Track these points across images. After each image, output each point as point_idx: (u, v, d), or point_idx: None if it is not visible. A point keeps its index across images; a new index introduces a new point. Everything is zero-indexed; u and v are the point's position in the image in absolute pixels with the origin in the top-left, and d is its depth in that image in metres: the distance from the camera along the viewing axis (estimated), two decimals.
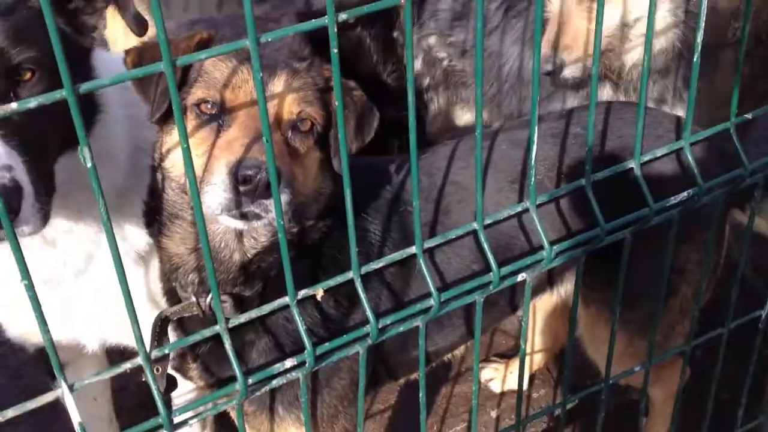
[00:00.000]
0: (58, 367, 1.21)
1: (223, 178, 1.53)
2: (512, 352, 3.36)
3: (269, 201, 1.52)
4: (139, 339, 1.26)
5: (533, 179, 1.55)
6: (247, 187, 1.50)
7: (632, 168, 1.73)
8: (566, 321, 2.68)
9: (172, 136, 1.72)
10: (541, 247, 1.63)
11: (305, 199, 1.76)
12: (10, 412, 1.24)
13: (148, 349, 1.27)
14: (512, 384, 3.21)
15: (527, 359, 3.20)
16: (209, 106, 1.66)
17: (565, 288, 2.38)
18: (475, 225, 1.56)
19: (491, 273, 1.58)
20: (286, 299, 1.43)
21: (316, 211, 1.82)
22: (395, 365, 2.20)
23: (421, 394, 1.74)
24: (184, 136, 1.18)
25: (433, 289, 1.51)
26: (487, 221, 1.57)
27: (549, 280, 2.33)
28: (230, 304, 1.78)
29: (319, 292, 1.48)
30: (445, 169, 2.14)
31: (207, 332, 1.38)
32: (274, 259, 1.79)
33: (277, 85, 1.68)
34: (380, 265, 1.53)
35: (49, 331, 1.17)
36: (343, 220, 1.40)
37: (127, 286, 1.22)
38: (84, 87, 1.06)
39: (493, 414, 3.14)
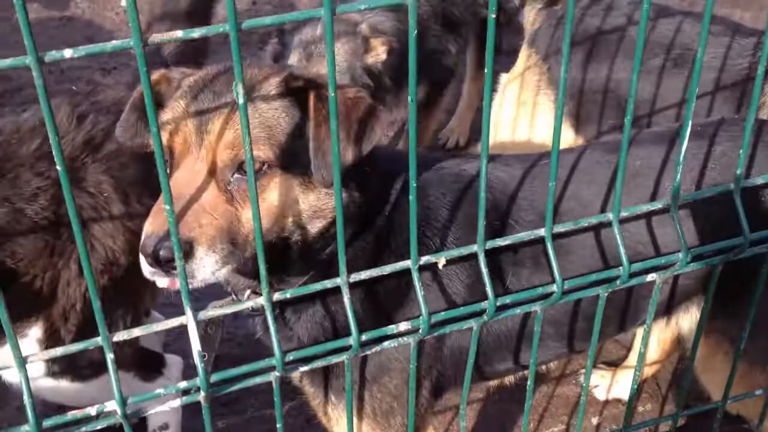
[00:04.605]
0: (186, 295, 1.26)
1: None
2: (621, 361, 3.25)
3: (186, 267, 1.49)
4: (265, 279, 1.29)
5: (678, 177, 1.48)
6: (149, 261, 1.50)
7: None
8: (675, 333, 2.55)
9: None
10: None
11: (293, 227, 1.69)
12: (137, 331, 1.29)
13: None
14: (617, 393, 3.11)
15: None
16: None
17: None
18: (610, 215, 1.50)
19: (620, 268, 1.53)
20: (407, 263, 1.42)
21: (325, 226, 1.72)
22: (484, 371, 2.14)
23: (529, 383, 1.71)
24: None
25: (557, 274, 1.47)
26: (624, 214, 1.52)
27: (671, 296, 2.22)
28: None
29: (441, 261, 1.47)
30: (558, 184, 1.98)
31: (328, 283, 1.39)
32: (301, 265, 1.77)
33: (213, 129, 1.59)
34: (507, 242, 1.50)
35: (184, 265, 1.21)
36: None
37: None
38: (246, 24, 1.09)
39: (594, 421, 3.05)
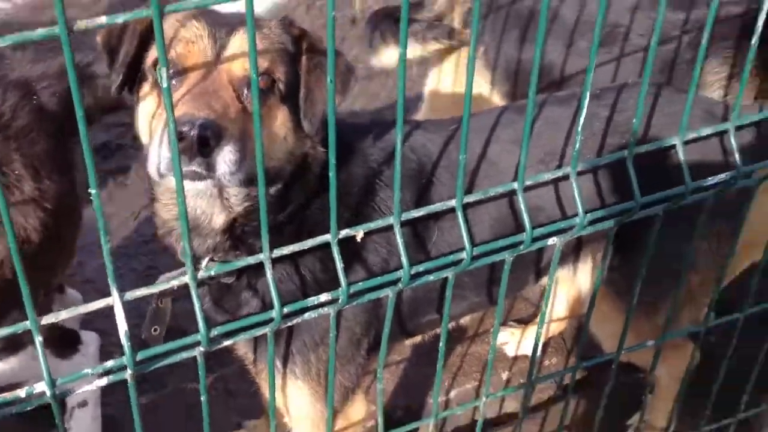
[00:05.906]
0: (113, 276, 1.29)
1: (159, 136, 1.52)
2: (530, 318, 3.42)
3: (210, 159, 1.53)
4: (189, 257, 1.33)
5: (578, 145, 1.59)
6: (181, 145, 1.47)
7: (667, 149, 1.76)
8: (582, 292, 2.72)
9: (139, 103, 1.75)
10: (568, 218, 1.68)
11: (275, 162, 1.75)
12: (64, 314, 1.32)
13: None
14: (526, 349, 3.27)
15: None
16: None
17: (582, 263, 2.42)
18: (515, 185, 1.60)
19: (523, 233, 1.64)
20: (327, 237, 1.48)
21: (291, 173, 1.80)
22: (410, 325, 2.26)
23: (441, 344, 1.81)
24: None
25: (467, 242, 1.56)
26: (528, 183, 1.62)
27: (576, 253, 2.37)
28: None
29: (359, 234, 1.53)
30: (475, 143, 2.14)
31: (251, 259, 1.44)
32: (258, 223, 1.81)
33: (234, 42, 1.68)
34: (420, 213, 1.58)
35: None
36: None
37: None
38: (168, 8, 1.12)
39: (504, 376, 3.21)
